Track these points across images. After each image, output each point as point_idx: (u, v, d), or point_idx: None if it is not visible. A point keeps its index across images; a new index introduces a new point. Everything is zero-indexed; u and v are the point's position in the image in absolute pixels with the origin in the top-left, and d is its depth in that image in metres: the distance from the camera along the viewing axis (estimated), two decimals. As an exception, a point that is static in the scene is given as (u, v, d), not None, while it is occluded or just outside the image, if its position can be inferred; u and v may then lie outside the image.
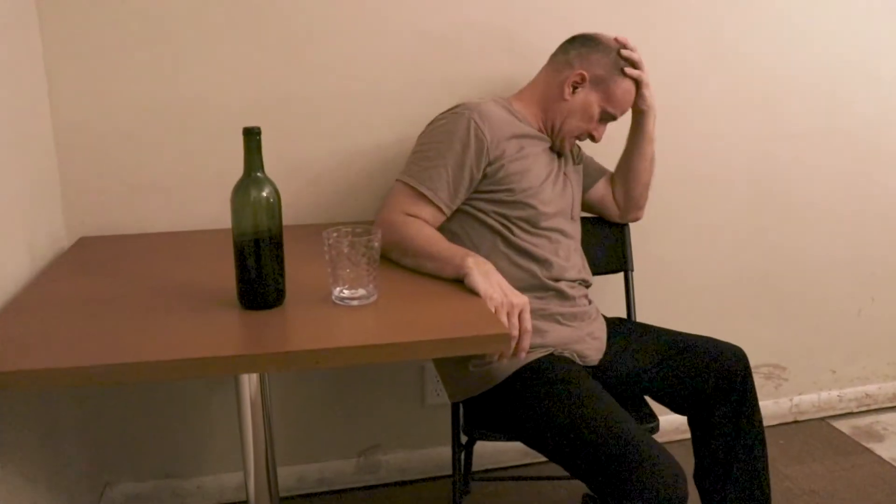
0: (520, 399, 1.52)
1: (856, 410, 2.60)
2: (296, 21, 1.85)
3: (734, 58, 2.16)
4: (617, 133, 1.81)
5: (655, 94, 1.77)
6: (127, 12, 1.77)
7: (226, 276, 1.36)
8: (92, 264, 1.63)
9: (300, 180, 1.93)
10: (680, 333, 1.76)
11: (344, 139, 1.94)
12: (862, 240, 2.44)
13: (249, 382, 1.41)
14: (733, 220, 2.30)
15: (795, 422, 2.54)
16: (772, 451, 1.77)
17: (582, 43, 1.69)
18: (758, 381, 1.71)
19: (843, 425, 2.51)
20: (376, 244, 1.28)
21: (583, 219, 1.86)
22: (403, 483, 2.23)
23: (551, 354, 1.60)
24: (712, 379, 1.64)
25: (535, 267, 1.64)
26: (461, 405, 1.69)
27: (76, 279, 1.53)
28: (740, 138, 2.23)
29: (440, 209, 1.57)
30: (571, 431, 1.41)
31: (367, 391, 2.15)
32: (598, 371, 1.69)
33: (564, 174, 1.74)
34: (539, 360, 1.57)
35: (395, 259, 1.53)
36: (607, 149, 1.84)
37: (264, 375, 1.44)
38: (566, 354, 1.63)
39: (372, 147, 1.96)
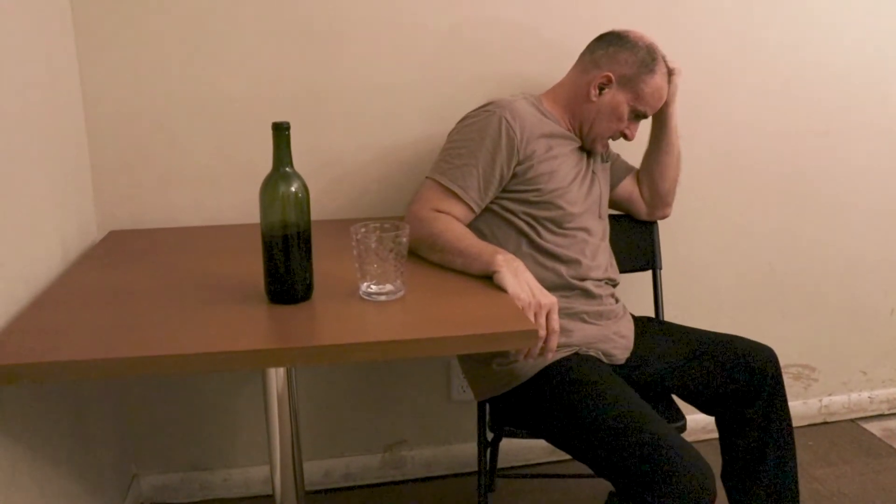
0: (545, 398, 1.52)
1: (887, 412, 2.56)
2: (327, 16, 1.85)
3: (763, 52, 2.13)
4: (641, 128, 1.79)
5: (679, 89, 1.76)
6: (159, 5, 1.78)
7: (254, 270, 1.37)
8: (121, 257, 1.66)
9: (329, 175, 1.94)
10: (708, 332, 1.74)
11: (374, 135, 1.94)
12: (895, 238, 2.40)
13: (276, 376, 1.42)
14: (763, 218, 2.27)
15: (825, 423, 2.51)
16: (800, 452, 1.75)
17: (609, 42, 1.67)
18: (787, 381, 1.69)
19: (874, 427, 2.48)
20: (404, 240, 1.28)
21: (611, 217, 1.85)
22: (429, 479, 2.23)
23: (577, 353, 1.59)
24: (742, 379, 1.62)
25: (560, 267, 1.63)
26: (487, 402, 1.68)
27: (106, 272, 1.55)
28: (770, 134, 2.20)
29: (470, 207, 1.57)
30: (598, 430, 1.40)
31: (393, 387, 2.15)
32: (624, 370, 1.68)
33: (592, 172, 1.73)
34: (565, 359, 1.56)
35: (424, 255, 1.53)
36: (634, 144, 1.82)
37: (291, 370, 1.45)
38: (592, 353, 1.62)
39: (401, 143, 1.95)
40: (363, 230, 1.29)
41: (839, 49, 2.18)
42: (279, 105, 1.87)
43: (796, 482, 1.65)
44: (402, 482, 2.22)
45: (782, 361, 1.68)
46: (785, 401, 1.64)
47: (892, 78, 2.25)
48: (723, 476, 1.69)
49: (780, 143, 2.21)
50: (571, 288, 1.63)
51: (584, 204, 1.67)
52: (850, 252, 2.37)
